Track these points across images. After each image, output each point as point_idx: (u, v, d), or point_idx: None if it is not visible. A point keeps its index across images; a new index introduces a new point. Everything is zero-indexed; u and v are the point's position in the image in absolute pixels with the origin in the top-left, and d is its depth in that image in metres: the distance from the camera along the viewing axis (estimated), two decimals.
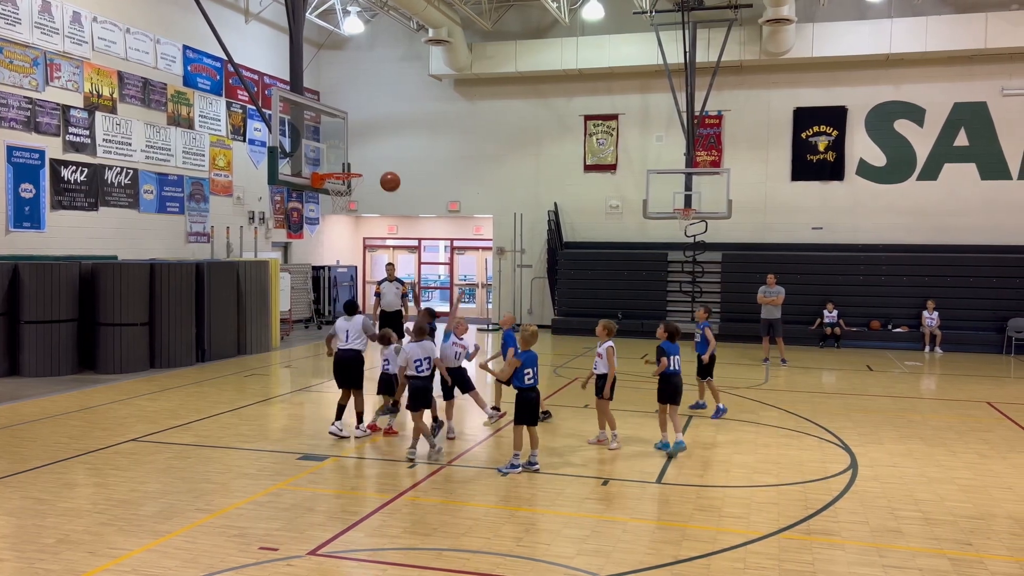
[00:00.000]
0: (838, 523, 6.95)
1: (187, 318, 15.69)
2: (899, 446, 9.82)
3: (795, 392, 13.61)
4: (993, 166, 21.20)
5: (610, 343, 9.36)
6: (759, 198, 22.66)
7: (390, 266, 16.55)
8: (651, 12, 20.93)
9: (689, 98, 20.73)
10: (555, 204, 24.16)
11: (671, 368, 9.30)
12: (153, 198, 18.88)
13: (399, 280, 15.96)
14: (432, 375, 8.89)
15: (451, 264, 28.10)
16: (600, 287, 22.78)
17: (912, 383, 15.20)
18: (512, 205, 24.50)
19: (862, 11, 21.08)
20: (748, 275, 21.10)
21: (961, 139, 21.39)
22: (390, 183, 13.18)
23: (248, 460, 8.77)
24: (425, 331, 8.89)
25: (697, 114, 21.06)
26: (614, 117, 23.88)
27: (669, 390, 9.29)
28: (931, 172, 21.62)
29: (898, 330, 20.51)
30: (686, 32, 20.42)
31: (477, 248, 27.42)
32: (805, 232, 22.45)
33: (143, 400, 12.13)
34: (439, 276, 29.44)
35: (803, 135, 22.44)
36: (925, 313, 20.07)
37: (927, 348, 19.84)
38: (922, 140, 21.66)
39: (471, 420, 10.90)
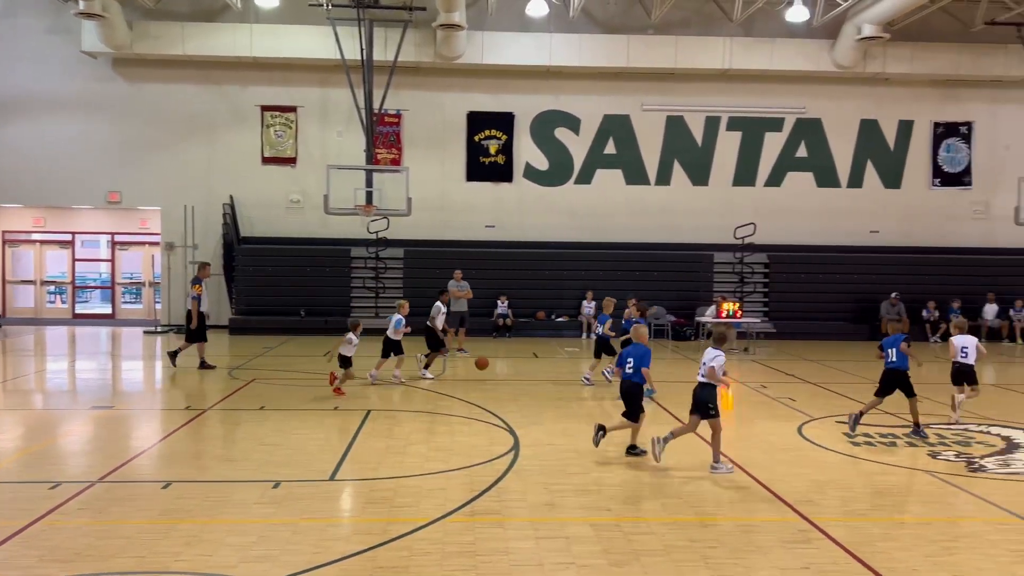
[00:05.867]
0: (500, 502, 7.42)
1: None
2: (557, 425, 10.73)
3: (469, 381, 14.31)
4: (635, 173, 24.02)
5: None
6: (437, 197, 23.49)
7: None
8: (327, 5, 20.71)
9: (367, 95, 20.87)
10: (231, 197, 23.05)
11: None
12: None
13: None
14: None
15: (113, 261, 25.59)
16: (281, 284, 22.19)
17: (572, 367, 16.70)
18: (183, 197, 22.91)
19: (526, 24, 22.68)
20: (429, 271, 21.83)
21: (610, 148, 23.95)
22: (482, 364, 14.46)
23: None
24: (724, 340, 8.91)
25: (376, 112, 21.27)
26: (292, 109, 23.34)
27: None
28: (586, 176, 23.94)
29: (560, 319, 22.46)
30: (362, 29, 20.52)
31: (143, 243, 25.27)
32: (480, 230, 23.70)
33: None
34: (100, 275, 26.71)
35: (476, 138, 23.66)
36: (584, 303, 22.20)
37: (585, 335, 21.96)
38: (578, 147, 23.90)
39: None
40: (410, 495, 7.57)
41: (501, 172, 23.74)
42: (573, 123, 23.85)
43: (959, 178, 24.71)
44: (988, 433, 10.51)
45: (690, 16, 23.19)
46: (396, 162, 23.21)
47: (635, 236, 23.76)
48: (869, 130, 24.44)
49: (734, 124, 24.19)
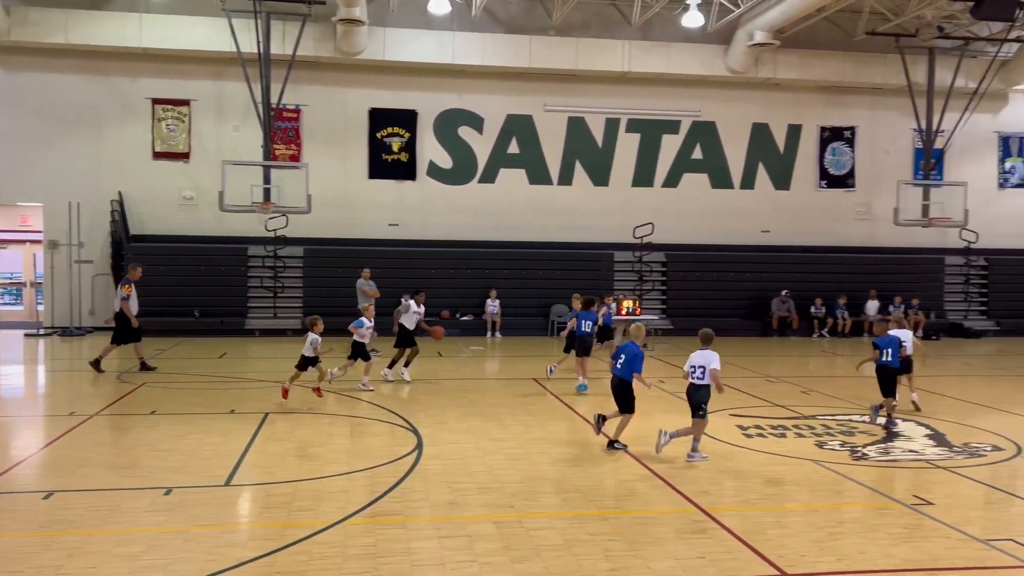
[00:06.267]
0: (403, 503, 7.35)
1: None
2: (460, 424, 10.71)
3: (374, 381, 14.10)
4: (538, 172, 24.24)
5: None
6: (339, 194, 23.08)
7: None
8: None
9: (265, 90, 20.33)
10: (120, 193, 22.07)
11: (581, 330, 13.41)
12: None
13: None
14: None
15: None
16: (174, 284, 21.38)
17: (476, 366, 16.75)
18: (67, 193, 21.74)
19: (428, 21, 22.53)
20: (330, 269, 21.49)
21: (513, 147, 24.08)
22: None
23: None
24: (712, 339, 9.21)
25: (274, 106, 20.73)
26: (186, 103, 22.51)
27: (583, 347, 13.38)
28: (490, 176, 24.00)
29: (465, 318, 22.45)
30: (259, 21, 19.98)
31: (24, 241, 23.94)
32: (383, 228, 23.43)
33: None
34: None
35: (378, 135, 23.39)
36: (488, 302, 22.26)
37: (489, 334, 22.02)
38: (482, 146, 23.93)
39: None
40: (309, 498, 7.41)
41: (404, 170, 23.54)
42: (476, 122, 23.87)
43: (843, 180, 25.97)
44: (871, 423, 11.07)
45: (590, 19, 23.55)
46: (295, 158, 22.68)
47: (538, 235, 23.97)
48: (760, 133, 25.38)
49: (633, 126, 24.70)
